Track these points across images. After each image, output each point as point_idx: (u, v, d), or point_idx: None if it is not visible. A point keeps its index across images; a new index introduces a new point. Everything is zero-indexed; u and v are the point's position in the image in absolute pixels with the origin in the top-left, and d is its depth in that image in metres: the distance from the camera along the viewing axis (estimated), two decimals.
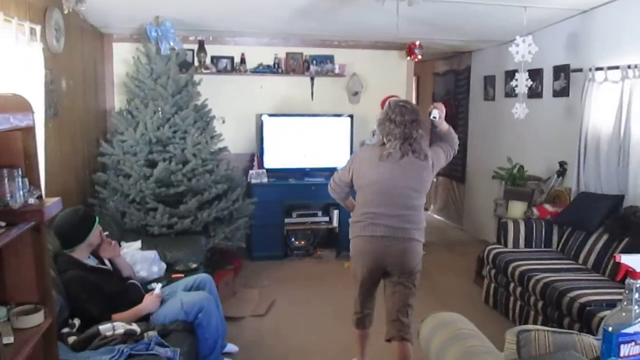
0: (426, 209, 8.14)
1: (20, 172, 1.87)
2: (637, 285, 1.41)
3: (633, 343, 1.43)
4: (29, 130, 1.96)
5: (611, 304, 3.18)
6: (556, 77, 4.94)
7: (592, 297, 3.30)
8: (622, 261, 1.46)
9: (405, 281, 3.02)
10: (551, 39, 4.94)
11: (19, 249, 1.98)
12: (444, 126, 3.11)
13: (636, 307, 1.42)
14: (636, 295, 1.41)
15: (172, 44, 4.69)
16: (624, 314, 1.43)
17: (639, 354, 1.44)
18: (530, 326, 1.81)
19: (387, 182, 2.95)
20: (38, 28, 3.23)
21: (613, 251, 3.78)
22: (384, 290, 3.13)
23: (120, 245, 3.61)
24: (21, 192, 1.86)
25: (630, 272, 1.42)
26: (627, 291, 1.43)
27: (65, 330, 2.69)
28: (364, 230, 2.99)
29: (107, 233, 3.32)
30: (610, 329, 1.42)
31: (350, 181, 3.10)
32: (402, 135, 2.91)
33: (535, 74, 5.05)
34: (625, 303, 1.44)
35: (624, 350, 1.42)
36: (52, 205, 2.01)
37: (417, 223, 3.00)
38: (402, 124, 2.91)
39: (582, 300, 3.29)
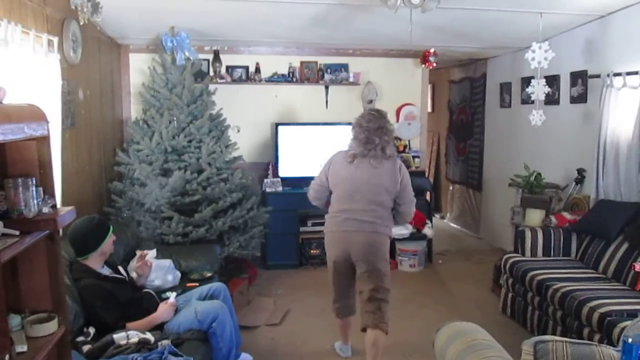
0: (442, 218, 8.08)
1: (34, 182, 1.89)
2: None
3: None
4: (44, 140, 1.98)
5: (633, 314, 3.11)
6: (573, 83, 4.87)
7: (613, 307, 3.23)
8: None
9: (373, 274, 3.26)
10: (568, 44, 4.89)
11: (33, 257, 1.99)
12: None
13: None
14: None
15: (187, 54, 4.73)
16: None
17: None
18: (547, 337, 1.76)
19: (357, 180, 3.26)
20: (55, 39, 3.27)
21: (634, 260, 3.69)
22: (356, 285, 3.41)
23: (135, 254, 3.64)
24: (35, 201, 1.88)
25: None
26: None
27: (80, 338, 2.70)
28: (338, 226, 3.32)
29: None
30: (630, 340, 1.38)
31: (327, 183, 3.41)
32: (366, 140, 3.24)
33: (552, 81, 4.99)
34: None
35: None
36: (66, 214, 2.03)
37: (384, 219, 3.29)
38: (367, 130, 3.26)
39: (602, 310, 3.22)
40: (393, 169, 3.28)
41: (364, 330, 3.32)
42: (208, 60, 5.63)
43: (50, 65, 3.17)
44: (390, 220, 3.34)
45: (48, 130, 1.99)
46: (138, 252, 3.53)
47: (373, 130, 3.25)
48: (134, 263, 3.51)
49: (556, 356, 1.66)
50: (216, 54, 5.60)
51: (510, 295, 4.34)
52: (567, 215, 4.55)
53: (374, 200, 3.25)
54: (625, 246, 3.85)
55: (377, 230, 3.26)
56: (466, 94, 7.29)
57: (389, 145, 3.30)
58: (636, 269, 3.44)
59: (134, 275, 3.38)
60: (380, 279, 3.29)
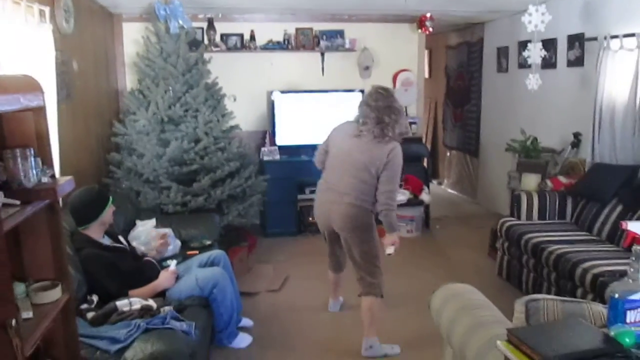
0: (440, 183, 8.13)
1: (32, 152, 1.91)
2: None
3: (639, 309, 1.43)
4: (40, 111, 1.99)
5: (625, 274, 3.16)
6: (570, 46, 4.85)
7: (606, 267, 3.28)
8: (628, 228, 1.46)
9: (354, 244, 3.32)
10: (565, 7, 4.84)
11: (34, 227, 2.02)
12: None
13: None
14: None
15: (181, 22, 4.67)
16: (630, 280, 1.43)
17: None
18: (539, 295, 1.81)
19: (347, 153, 3.27)
20: (47, 9, 3.24)
21: None
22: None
23: (135, 224, 3.68)
24: (34, 171, 1.90)
25: (637, 239, 1.42)
26: (633, 258, 1.43)
27: (84, 306, 2.76)
28: (321, 194, 3.46)
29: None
30: (616, 295, 1.42)
31: (326, 148, 3.45)
32: (376, 120, 3.18)
33: (549, 44, 4.96)
34: (632, 270, 1.44)
35: (630, 316, 1.43)
36: (65, 183, 2.05)
37: (364, 193, 3.23)
38: (376, 109, 3.19)
39: (595, 271, 3.28)
40: (382, 150, 3.18)
41: (360, 295, 3.40)
42: (202, 29, 5.56)
43: (42, 36, 3.15)
44: (368, 196, 3.24)
45: (44, 100, 2.00)
46: (138, 222, 3.57)
47: (382, 109, 3.18)
48: (134, 232, 3.56)
49: (547, 313, 1.71)
50: (210, 22, 5.54)
51: (506, 258, 4.40)
52: (562, 179, 4.59)
53: (355, 175, 3.22)
54: (619, 208, 3.89)
55: (354, 203, 3.23)
56: (463, 59, 7.24)
57: (398, 124, 3.21)
58: (623, 227, 3.48)
59: (142, 248, 3.43)
60: (362, 248, 3.31)
